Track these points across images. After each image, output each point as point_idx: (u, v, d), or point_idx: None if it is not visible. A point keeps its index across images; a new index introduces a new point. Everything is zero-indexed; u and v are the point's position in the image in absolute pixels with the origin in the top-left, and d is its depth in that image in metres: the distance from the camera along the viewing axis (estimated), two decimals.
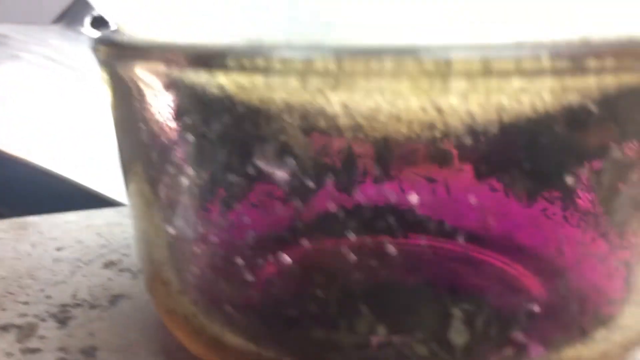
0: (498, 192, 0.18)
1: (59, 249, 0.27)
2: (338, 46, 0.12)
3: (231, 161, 0.16)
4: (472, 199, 0.16)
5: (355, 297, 0.15)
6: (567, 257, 0.17)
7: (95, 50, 0.15)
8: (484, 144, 0.14)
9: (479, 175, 0.16)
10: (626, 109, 0.15)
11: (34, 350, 0.19)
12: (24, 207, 0.34)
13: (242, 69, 0.12)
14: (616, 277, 0.17)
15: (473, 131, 0.14)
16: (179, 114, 0.16)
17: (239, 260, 0.17)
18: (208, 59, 0.13)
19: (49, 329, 0.21)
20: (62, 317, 0.21)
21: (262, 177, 0.16)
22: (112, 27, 0.18)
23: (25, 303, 0.22)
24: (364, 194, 0.16)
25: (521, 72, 0.12)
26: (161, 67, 0.13)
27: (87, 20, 0.53)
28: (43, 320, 0.21)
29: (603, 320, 0.16)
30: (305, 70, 0.12)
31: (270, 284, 0.17)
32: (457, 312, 0.14)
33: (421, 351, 0.14)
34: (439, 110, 0.13)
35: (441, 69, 0.11)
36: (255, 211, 0.17)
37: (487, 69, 0.11)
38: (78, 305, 0.22)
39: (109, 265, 0.25)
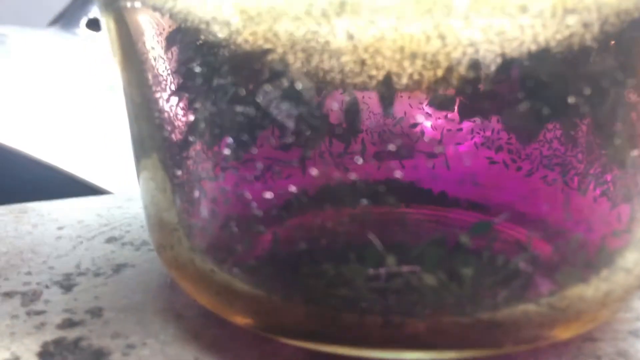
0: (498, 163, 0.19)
1: (60, 228, 0.27)
2: None
3: (235, 106, 0.16)
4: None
5: (363, 229, 0.15)
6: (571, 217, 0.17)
7: None
8: (487, 81, 0.15)
9: (482, 114, 0.16)
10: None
11: (39, 312, 0.19)
12: (18, 198, 0.34)
13: None
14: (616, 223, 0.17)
15: (476, 65, 0.14)
16: (183, 60, 0.16)
17: (248, 215, 0.17)
18: None
19: (53, 294, 0.20)
20: (66, 285, 0.21)
21: (269, 128, 0.16)
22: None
23: (28, 273, 0.22)
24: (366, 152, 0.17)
25: None
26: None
27: (83, 22, 0.53)
28: (47, 287, 0.21)
29: (605, 261, 0.16)
30: None
31: (277, 234, 0.17)
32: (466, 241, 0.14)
33: (430, 282, 0.14)
34: (442, 38, 0.13)
35: None
36: (263, 167, 0.17)
37: None
38: (82, 274, 0.22)
39: (111, 240, 0.25)
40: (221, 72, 0.15)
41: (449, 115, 0.17)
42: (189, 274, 0.17)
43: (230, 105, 0.16)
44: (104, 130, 0.43)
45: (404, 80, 0.15)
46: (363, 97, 0.16)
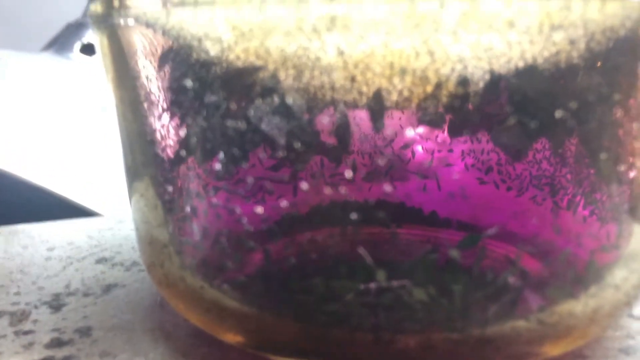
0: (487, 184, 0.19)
1: (50, 249, 0.27)
2: None
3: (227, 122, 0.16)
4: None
5: (354, 245, 0.15)
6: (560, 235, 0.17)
7: (92, 13, 0.16)
8: (476, 98, 0.15)
9: (469, 131, 0.16)
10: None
11: (28, 332, 0.19)
12: (9, 220, 0.34)
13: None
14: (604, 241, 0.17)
15: (464, 82, 0.14)
16: (175, 78, 0.16)
17: (238, 232, 0.17)
18: None
19: (42, 314, 0.20)
20: (55, 305, 0.21)
21: (261, 145, 0.16)
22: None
23: (17, 293, 0.22)
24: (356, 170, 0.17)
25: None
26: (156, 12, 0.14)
27: (77, 47, 0.54)
28: (36, 307, 0.21)
29: (594, 277, 0.16)
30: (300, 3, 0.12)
31: (268, 251, 0.17)
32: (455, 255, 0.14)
33: (420, 297, 0.14)
34: (431, 54, 0.14)
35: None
36: (253, 185, 0.17)
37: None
38: (71, 294, 0.22)
39: (101, 261, 0.25)
40: (212, 89, 0.16)
41: (440, 137, 0.17)
42: (180, 291, 0.17)
43: (221, 122, 0.16)
44: (96, 152, 0.43)
45: (394, 96, 0.15)
46: (355, 117, 0.16)
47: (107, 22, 0.15)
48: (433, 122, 0.16)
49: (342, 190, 0.16)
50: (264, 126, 0.16)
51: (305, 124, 0.16)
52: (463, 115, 0.16)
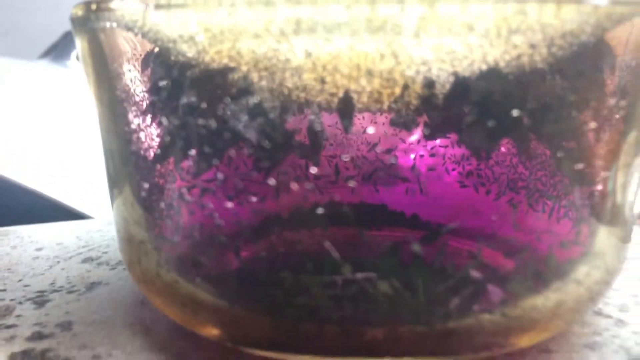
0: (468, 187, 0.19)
1: (38, 249, 0.28)
2: None
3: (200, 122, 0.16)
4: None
5: (322, 240, 0.15)
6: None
7: (73, 17, 0.16)
8: (444, 100, 0.15)
9: (436, 133, 0.17)
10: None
11: (10, 326, 0.19)
12: (2, 223, 0.34)
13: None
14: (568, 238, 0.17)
15: (430, 84, 0.15)
16: (153, 79, 0.17)
17: (210, 227, 0.17)
18: None
19: (26, 310, 0.21)
20: (39, 301, 0.21)
21: (235, 145, 0.16)
22: None
23: (3, 290, 0.23)
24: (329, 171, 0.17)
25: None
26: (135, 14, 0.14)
27: (74, 55, 0.55)
28: (20, 303, 0.21)
29: (555, 273, 0.16)
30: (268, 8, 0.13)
31: (239, 245, 0.18)
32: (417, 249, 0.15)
33: (385, 290, 0.15)
34: (395, 56, 0.14)
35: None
36: (227, 183, 0.18)
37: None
38: (55, 291, 0.22)
39: (87, 260, 0.26)
40: (187, 90, 0.16)
41: (422, 142, 0.18)
42: (156, 287, 0.18)
43: (196, 121, 0.16)
44: (90, 158, 0.43)
45: (364, 98, 0.15)
46: (337, 122, 0.16)
47: (87, 25, 0.16)
48: (405, 125, 0.17)
49: (310, 189, 0.16)
50: (237, 127, 0.16)
51: (279, 125, 0.16)
52: (433, 117, 0.16)
